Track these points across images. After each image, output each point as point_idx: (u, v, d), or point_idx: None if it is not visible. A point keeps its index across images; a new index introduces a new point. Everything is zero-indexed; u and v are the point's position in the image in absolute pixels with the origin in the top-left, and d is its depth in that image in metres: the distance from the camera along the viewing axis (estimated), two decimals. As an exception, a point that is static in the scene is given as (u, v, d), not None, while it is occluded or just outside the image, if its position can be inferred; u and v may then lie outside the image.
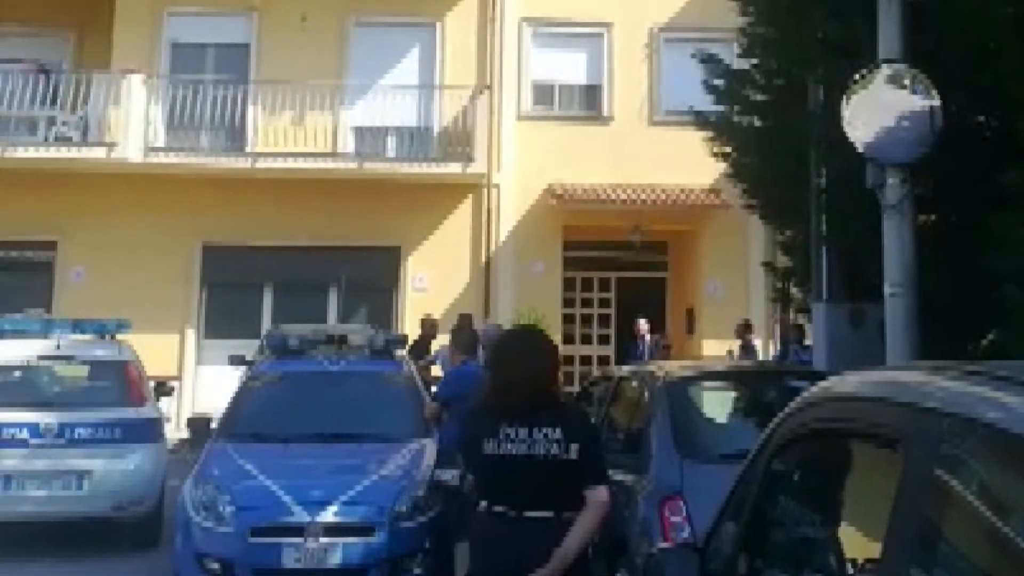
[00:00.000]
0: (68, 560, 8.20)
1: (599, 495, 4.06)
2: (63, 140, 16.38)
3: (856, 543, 2.58)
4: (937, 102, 6.38)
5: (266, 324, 15.92)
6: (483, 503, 4.16)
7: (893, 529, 2.13)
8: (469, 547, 4.38)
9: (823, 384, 2.93)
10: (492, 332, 8.04)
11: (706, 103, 10.53)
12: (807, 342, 12.40)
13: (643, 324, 16.31)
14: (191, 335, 17.10)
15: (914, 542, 2.09)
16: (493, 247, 17.64)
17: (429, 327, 14.23)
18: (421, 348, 13.48)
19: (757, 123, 9.85)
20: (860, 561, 2.50)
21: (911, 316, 6.52)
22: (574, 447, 4.05)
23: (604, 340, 18.55)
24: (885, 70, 6.60)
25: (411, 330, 14.35)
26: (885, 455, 2.33)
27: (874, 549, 2.23)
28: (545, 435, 4.06)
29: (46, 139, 16.38)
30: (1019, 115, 5.43)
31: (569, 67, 18.43)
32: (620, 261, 18.60)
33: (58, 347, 9.32)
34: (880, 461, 2.42)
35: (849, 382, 2.80)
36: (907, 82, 6.52)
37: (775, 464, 2.96)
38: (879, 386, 2.60)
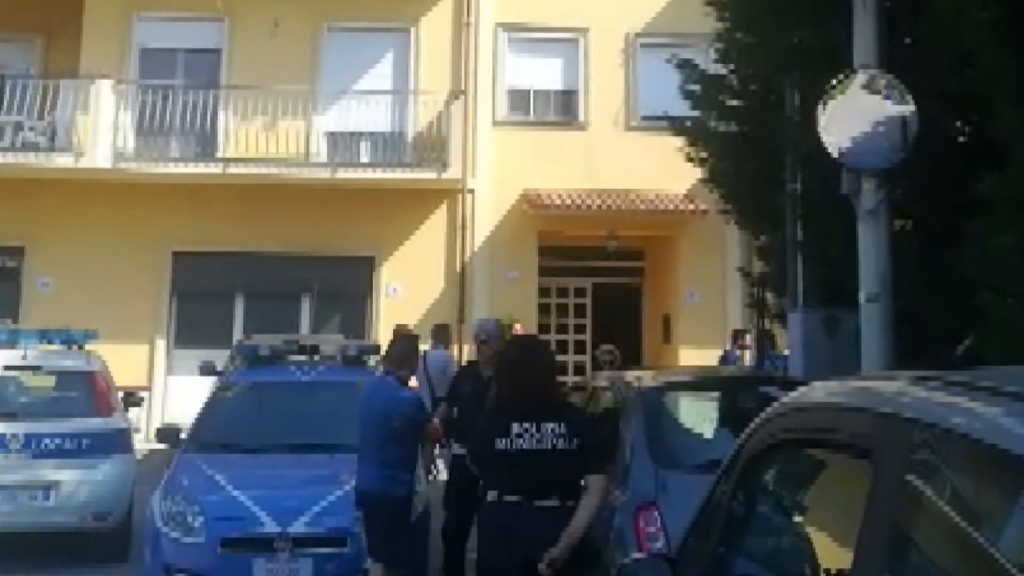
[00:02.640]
0: (36, 573, 8.06)
1: (599, 481, 4.64)
2: (30, 147, 16.19)
3: (829, 552, 2.57)
4: (912, 108, 6.37)
5: (237, 333, 15.78)
6: (493, 493, 4.64)
7: (865, 538, 2.12)
8: (479, 534, 4.85)
9: (796, 393, 2.91)
10: (489, 327, 7.95)
11: (682, 109, 10.50)
12: (779, 349, 12.41)
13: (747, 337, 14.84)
14: (161, 344, 16.93)
15: (885, 551, 2.08)
16: (468, 254, 17.57)
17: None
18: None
19: (733, 129, 9.83)
20: (833, 571, 2.47)
21: (886, 323, 6.50)
22: (576, 440, 4.65)
23: (580, 348, 18.51)
24: (861, 76, 6.58)
25: (385, 339, 14.23)
26: (857, 464, 2.32)
27: (846, 558, 2.21)
28: (551, 430, 4.64)
29: (13, 145, 16.16)
30: (994, 121, 5.41)
31: (545, 73, 18.41)
32: (596, 268, 18.58)
33: (24, 357, 9.17)
34: (852, 470, 2.41)
35: (822, 390, 2.80)
36: (883, 88, 6.50)
37: (748, 473, 2.95)
38: (851, 394, 2.61)
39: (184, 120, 16.56)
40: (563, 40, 18.44)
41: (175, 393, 16.18)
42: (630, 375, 7.47)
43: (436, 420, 6.96)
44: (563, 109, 18.51)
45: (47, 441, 8.49)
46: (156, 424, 15.08)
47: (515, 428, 4.65)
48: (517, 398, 4.83)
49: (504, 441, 4.65)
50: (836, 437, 2.49)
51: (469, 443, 5.27)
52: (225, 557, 6.67)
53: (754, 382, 8.18)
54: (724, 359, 15.31)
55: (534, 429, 4.65)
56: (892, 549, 2.07)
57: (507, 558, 4.58)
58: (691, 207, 17.28)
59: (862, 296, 6.58)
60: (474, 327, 7.82)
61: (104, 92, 16.14)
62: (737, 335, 15.46)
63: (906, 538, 2.09)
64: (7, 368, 9.06)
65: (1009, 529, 1.82)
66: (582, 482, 4.71)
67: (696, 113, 10.30)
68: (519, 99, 18.40)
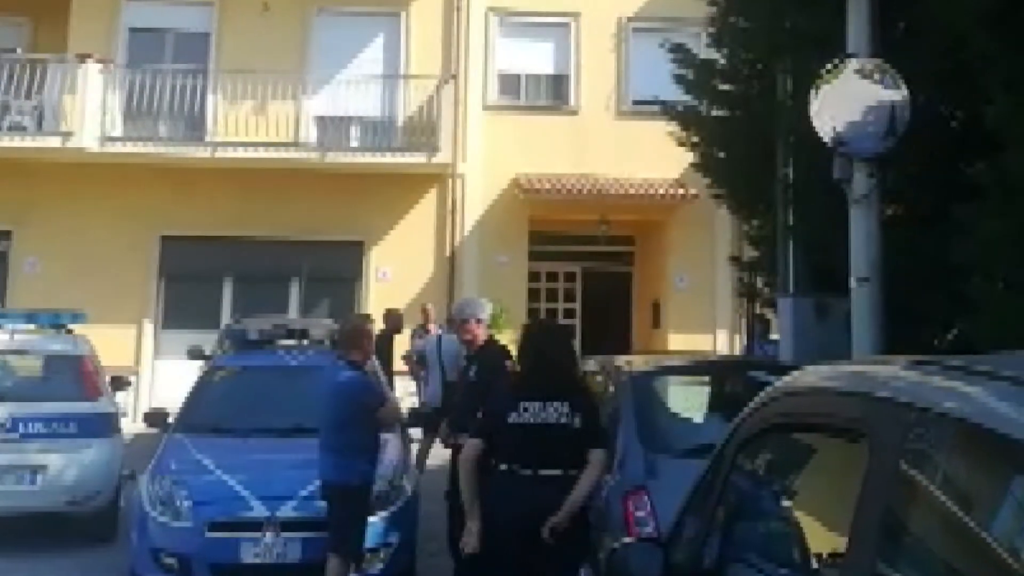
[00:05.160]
0: (22, 556, 8.03)
1: (598, 455, 5.01)
2: (17, 129, 16.04)
3: (822, 536, 2.58)
4: (905, 94, 6.36)
5: (226, 317, 15.76)
6: (503, 465, 4.99)
7: (859, 521, 2.12)
8: (487, 502, 5.08)
9: (790, 377, 2.90)
10: (465, 305, 7.85)
11: (674, 94, 10.47)
12: (772, 335, 12.40)
13: None
14: (149, 327, 16.86)
15: (880, 534, 2.08)
16: (458, 238, 17.53)
17: (394, 321, 14.11)
18: (384, 342, 13.35)
19: (725, 114, 9.80)
20: (826, 554, 2.46)
21: (877, 309, 6.50)
22: (578, 418, 5.01)
23: (569, 333, 18.50)
24: (853, 62, 6.57)
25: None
26: (851, 448, 2.33)
27: (840, 542, 2.21)
28: (556, 408, 5.01)
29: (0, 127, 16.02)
30: (986, 106, 5.40)
31: (536, 57, 18.34)
32: (586, 253, 18.56)
33: (11, 339, 9.11)
34: (846, 454, 2.42)
35: (815, 375, 2.79)
36: (875, 74, 6.50)
37: (741, 457, 2.94)
38: (845, 379, 2.61)
39: (173, 102, 16.44)
40: (554, 24, 18.36)
41: (163, 376, 16.13)
42: (621, 360, 7.46)
43: (391, 403, 6.90)
44: (554, 94, 18.45)
45: (34, 424, 8.44)
46: (144, 407, 15.09)
47: (524, 405, 5.03)
48: (536, 377, 5.19)
49: (514, 415, 5.03)
50: (831, 421, 2.49)
51: (482, 416, 5.44)
52: (212, 540, 6.65)
53: (744, 367, 8.19)
54: (751, 350, 13.96)
55: (540, 407, 5.02)
56: (886, 532, 2.06)
57: (512, 520, 4.90)
58: (681, 192, 17.25)
59: (853, 281, 6.58)
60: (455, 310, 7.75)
61: (92, 74, 15.99)
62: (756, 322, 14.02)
63: (900, 522, 2.08)
64: (-6, 350, 9.01)
65: (1003, 512, 1.82)
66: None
67: (688, 98, 10.27)
68: (510, 84, 18.33)
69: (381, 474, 7.02)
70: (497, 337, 8.32)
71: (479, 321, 7.22)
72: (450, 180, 17.50)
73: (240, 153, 16.32)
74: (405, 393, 13.07)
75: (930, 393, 2.13)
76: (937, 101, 6.70)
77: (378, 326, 13.53)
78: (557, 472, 4.94)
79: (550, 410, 5.01)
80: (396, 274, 17.19)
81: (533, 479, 4.92)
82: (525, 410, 5.01)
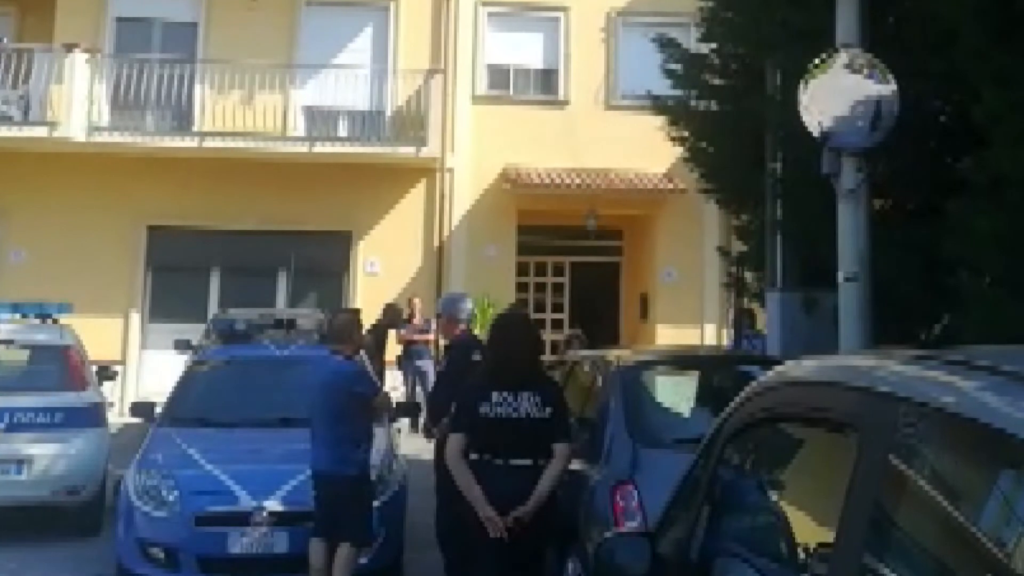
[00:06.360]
0: (7, 547, 8.00)
1: (563, 449, 5.10)
2: (3, 118, 15.91)
3: (810, 528, 2.57)
4: (894, 88, 6.36)
5: (213, 308, 15.69)
6: (474, 454, 5.07)
7: (847, 514, 2.12)
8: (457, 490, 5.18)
9: (779, 369, 2.91)
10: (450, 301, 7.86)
11: (663, 88, 10.46)
12: (759, 327, 12.43)
13: None
14: (135, 318, 16.77)
15: (868, 527, 2.07)
16: (446, 231, 17.51)
17: (391, 315, 14.19)
18: (380, 334, 13.41)
19: (714, 108, 9.81)
20: (813, 547, 2.46)
21: (864, 303, 6.52)
22: (548, 409, 5.12)
23: (557, 325, 18.51)
24: (843, 56, 6.57)
25: (365, 315, 14.18)
26: (840, 440, 2.33)
27: (827, 535, 2.21)
28: (528, 399, 5.10)
29: (-15, 117, 15.91)
30: (975, 101, 5.41)
31: (525, 50, 18.31)
32: (574, 246, 18.56)
33: (-3, 330, 9.08)
34: (835, 446, 2.42)
35: (805, 367, 2.79)
36: (864, 68, 6.49)
37: (729, 450, 2.94)
38: (834, 371, 2.60)
39: (160, 93, 16.32)
40: (544, 17, 18.33)
41: (149, 367, 16.07)
42: (609, 352, 7.46)
43: (383, 392, 6.93)
44: (543, 87, 18.42)
45: (20, 415, 8.39)
46: (130, 398, 15.04)
47: (495, 396, 5.09)
48: (502, 369, 5.21)
49: (486, 407, 5.07)
50: (820, 414, 2.48)
51: (456, 410, 5.44)
52: (199, 531, 6.64)
53: (732, 361, 8.21)
54: (738, 343, 13.95)
55: (512, 398, 5.09)
56: (875, 525, 2.06)
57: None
58: (670, 186, 17.27)
59: (840, 276, 6.59)
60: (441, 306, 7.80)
61: (79, 63, 15.88)
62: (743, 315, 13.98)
63: (889, 515, 2.08)
64: (-21, 342, 8.96)
65: (995, 506, 1.82)
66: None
67: (677, 92, 10.27)
68: (499, 76, 18.29)
69: (371, 465, 7.02)
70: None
71: (451, 319, 7.34)
72: (438, 173, 17.46)
73: (228, 144, 16.23)
74: (392, 386, 13.07)
75: (918, 385, 2.13)
76: (926, 96, 6.71)
77: (377, 318, 13.65)
78: (527, 462, 5.02)
79: (522, 400, 5.08)
80: (384, 266, 17.17)
81: (504, 468, 4.99)
82: (497, 401, 5.07)
